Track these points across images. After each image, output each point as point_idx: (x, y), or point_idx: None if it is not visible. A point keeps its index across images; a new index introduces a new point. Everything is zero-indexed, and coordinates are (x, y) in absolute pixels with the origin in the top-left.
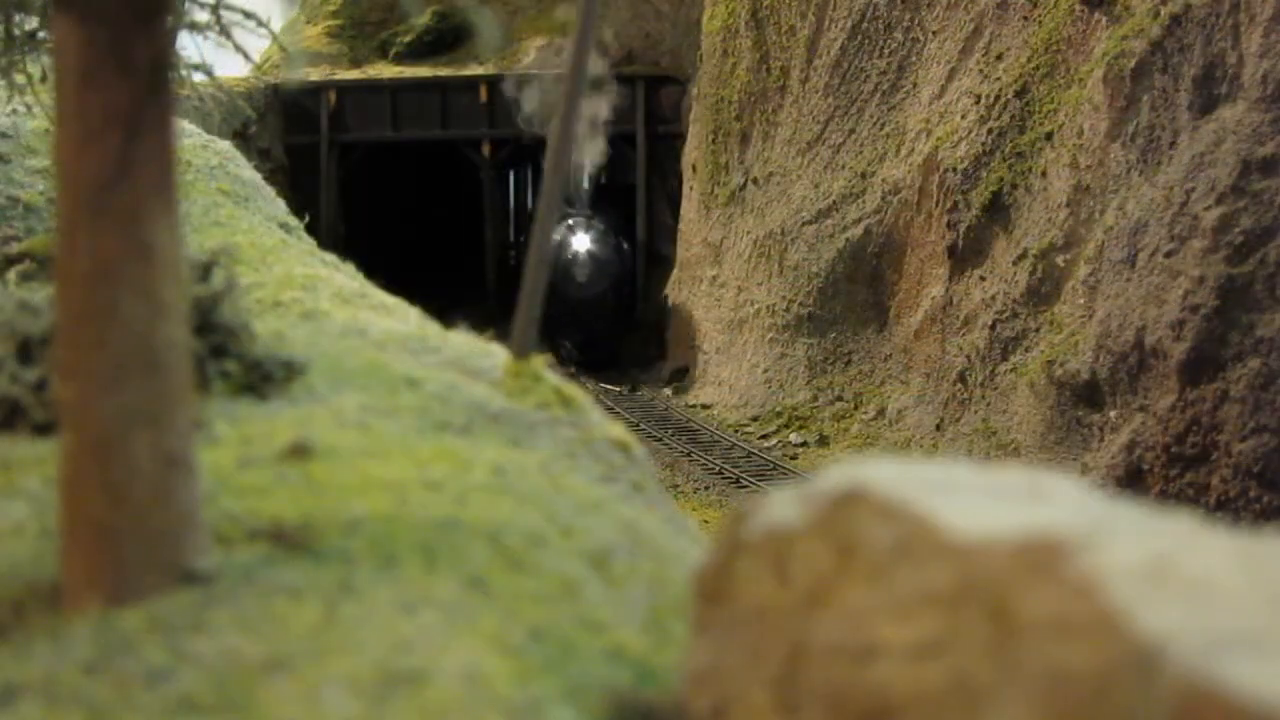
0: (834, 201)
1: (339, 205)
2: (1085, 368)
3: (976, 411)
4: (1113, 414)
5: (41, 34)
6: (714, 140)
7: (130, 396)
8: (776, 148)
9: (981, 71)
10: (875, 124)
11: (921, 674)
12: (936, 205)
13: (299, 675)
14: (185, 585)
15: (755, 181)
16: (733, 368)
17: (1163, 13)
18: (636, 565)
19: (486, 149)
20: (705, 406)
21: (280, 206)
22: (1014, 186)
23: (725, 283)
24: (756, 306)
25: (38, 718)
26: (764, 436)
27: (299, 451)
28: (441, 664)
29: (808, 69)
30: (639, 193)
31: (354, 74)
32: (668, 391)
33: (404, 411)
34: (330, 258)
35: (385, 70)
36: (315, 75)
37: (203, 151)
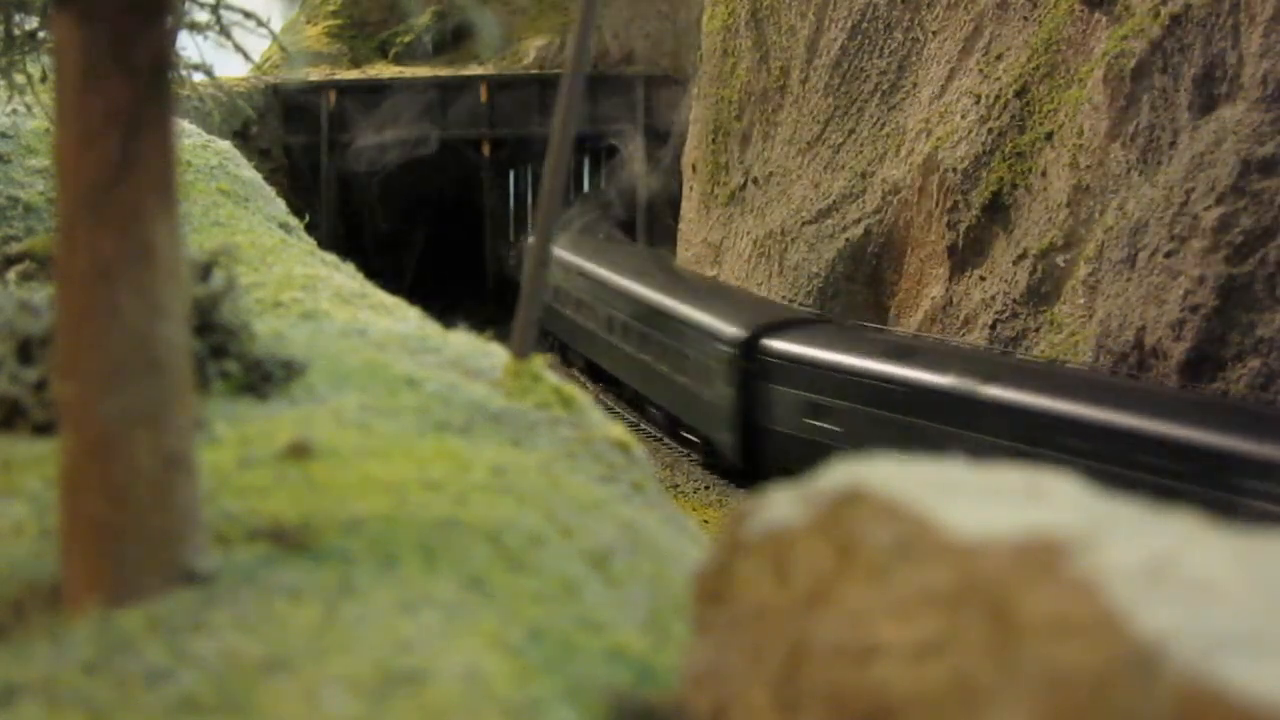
0: (834, 201)
1: (339, 205)
2: (1086, 367)
3: None
4: None
5: (41, 34)
6: (714, 140)
7: (130, 396)
8: (776, 148)
9: (981, 71)
10: (875, 124)
11: (921, 674)
12: (936, 205)
13: (299, 675)
14: (185, 585)
15: (755, 181)
16: None
17: (1163, 13)
18: (636, 565)
19: (486, 149)
20: None
21: (280, 206)
22: (1014, 186)
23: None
24: None
25: (38, 718)
26: None
27: (299, 451)
28: (441, 664)
29: (808, 69)
30: (639, 193)
31: (354, 74)
32: None
33: (404, 411)
34: (330, 258)
35: (385, 70)
36: (315, 75)
37: (203, 151)
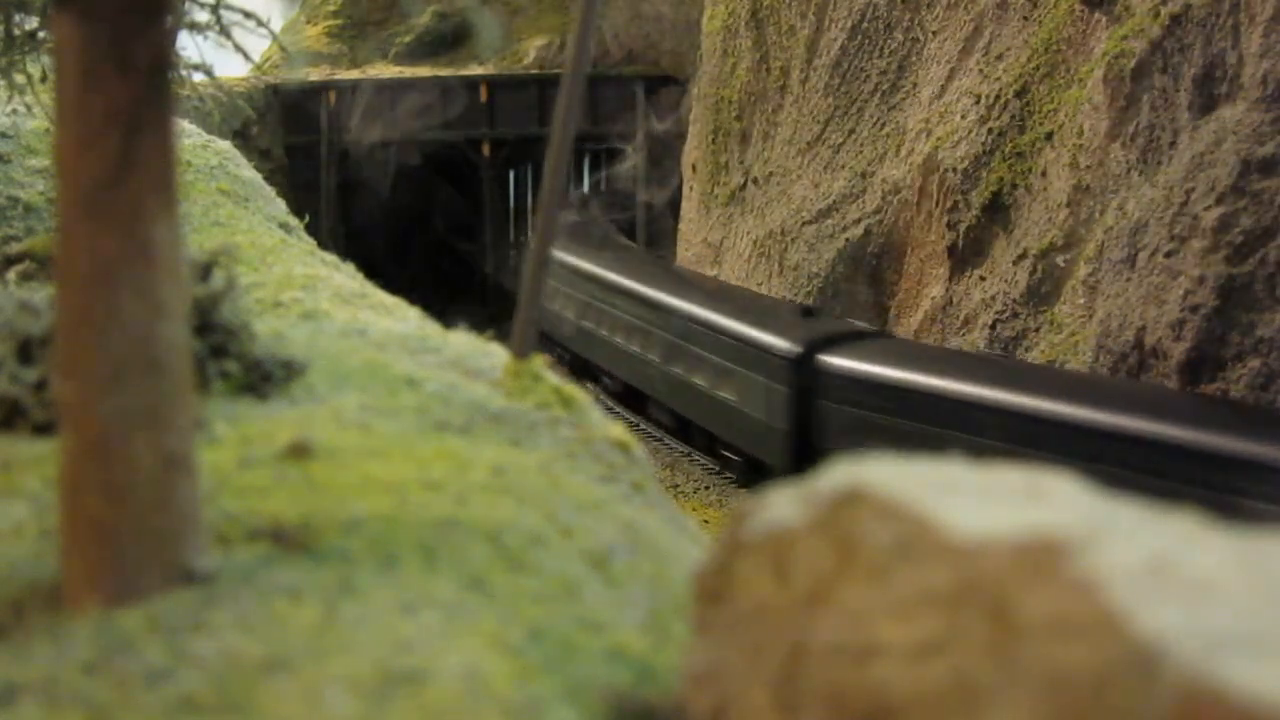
0: (834, 201)
1: (339, 205)
2: (1085, 368)
3: None
4: None
5: (41, 34)
6: (714, 140)
7: (130, 397)
8: (776, 148)
9: (981, 71)
10: (875, 124)
11: (921, 674)
12: (936, 205)
13: (299, 675)
14: (185, 585)
15: (755, 181)
16: None
17: (1163, 13)
18: (636, 565)
19: (486, 149)
20: None
21: (280, 206)
22: (1014, 186)
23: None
24: None
25: (38, 718)
26: None
27: (299, 451)
28: (441, 664)
29: (808, 69)
30: (638, 193)
31: (354, 74)
32: None
33: (404, 411)
34: (330, 258)
35: (385, 70)
36: (315, 75)
37: (203, 151)
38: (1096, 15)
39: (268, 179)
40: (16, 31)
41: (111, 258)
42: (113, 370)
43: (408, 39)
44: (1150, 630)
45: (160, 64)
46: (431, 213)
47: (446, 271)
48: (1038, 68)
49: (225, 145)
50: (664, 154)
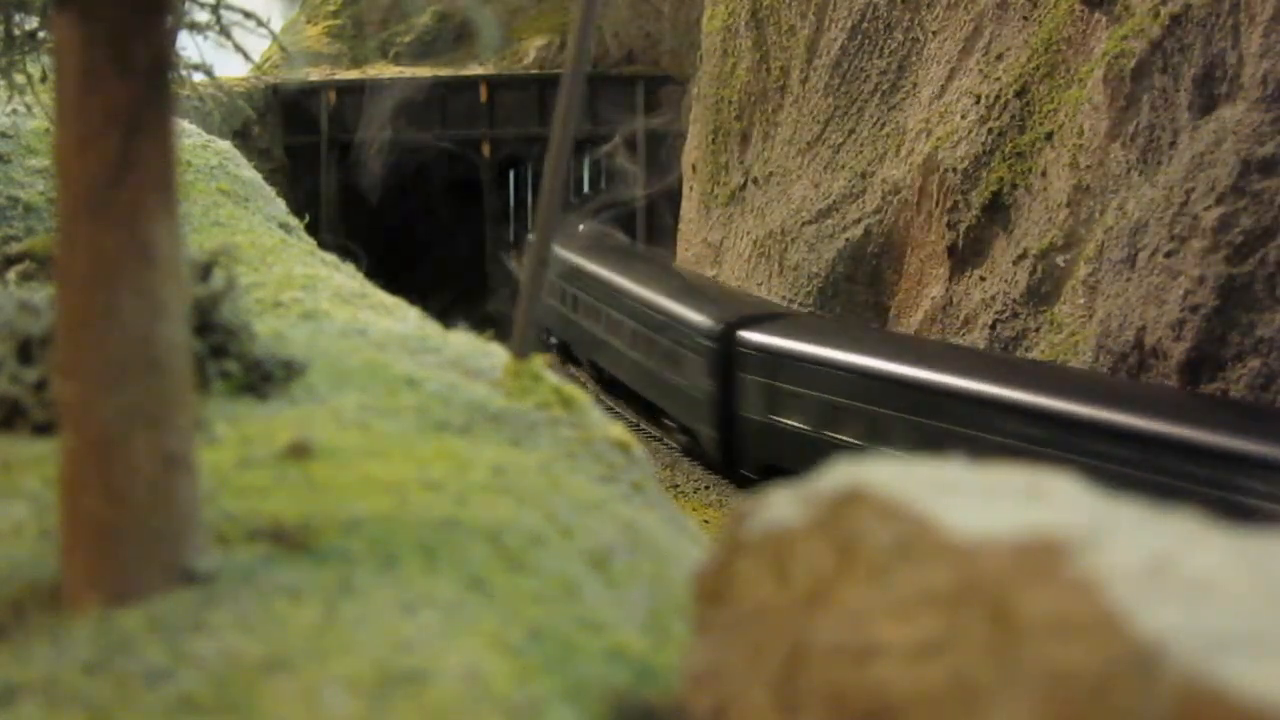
0: (834, 201)
1: (339, 205)
2: (1085, 368)
3: None
4: None
5: (41, 34)
6: (714, 140)
7: (130, 397)
8: (776, 148)
9: (981, 71)
10: (875, 124)
11: (921, 674)
12: (936, 205)
13: (299, 675)
14: (185, 585)
15: (755, 181)
16: None
17: (1163, 13)
18: (636, 565)
19: (486, 149)
20: None
21: (280, 206)
22: (1014, 186)
23: (725, 283)
24: None
25: (38, 718)
26: None
27: (299, 451)
28: (441, 664)
29: (808, 69)
30: (638, 193)
31: (354, 74)
32: None
33: (404, 411)
34: (330, 258)
35: (385, 70)
36: (315, 75)
37: (203, 151)
38: (1096, 15)
39: (268, 179)
40: (16, 31)
41: (111, 258)
42: (113, 370)
43: (408, 39)
44: (1150, 630)
45: (160, 64)
46: (430, 212)
47: (446, 271)
48: (1038, 68)
49: (225, 145)
50: (664, 154)
